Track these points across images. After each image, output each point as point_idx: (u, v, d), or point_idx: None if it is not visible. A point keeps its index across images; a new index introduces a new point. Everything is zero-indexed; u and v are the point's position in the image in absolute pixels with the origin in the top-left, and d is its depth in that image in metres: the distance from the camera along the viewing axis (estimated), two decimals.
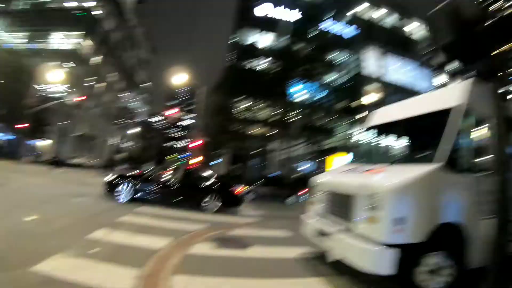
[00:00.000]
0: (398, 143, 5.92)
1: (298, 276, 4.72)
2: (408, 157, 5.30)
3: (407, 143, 5.74)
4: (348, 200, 4.43)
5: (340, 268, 4.69)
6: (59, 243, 4.87)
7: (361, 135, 6.71)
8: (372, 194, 3.98)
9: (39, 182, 14.46)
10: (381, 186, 3.96)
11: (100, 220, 7.18)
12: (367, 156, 6.25)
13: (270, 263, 5.32)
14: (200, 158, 27.80)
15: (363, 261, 3.91)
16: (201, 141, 26.05)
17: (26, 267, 3.80)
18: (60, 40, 49.96)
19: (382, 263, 3.74)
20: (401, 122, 5.34)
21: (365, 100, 36.50)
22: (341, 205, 4.62)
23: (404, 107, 5.69)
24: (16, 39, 50.86)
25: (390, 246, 3.71)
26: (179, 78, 26.78)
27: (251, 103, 37.48)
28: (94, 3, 52.38)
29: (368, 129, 6.27)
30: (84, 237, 5.46)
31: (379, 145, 6.40)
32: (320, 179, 5.68)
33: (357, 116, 35.71)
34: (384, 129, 5.91)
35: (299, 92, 40.32)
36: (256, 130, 39.22)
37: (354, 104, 37.44)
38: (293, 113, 29.52)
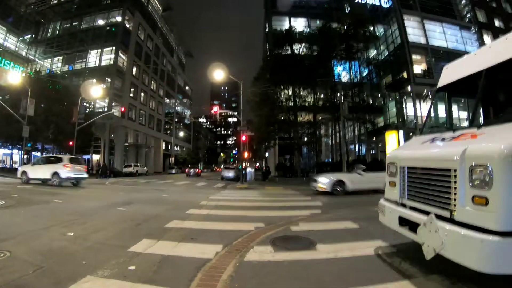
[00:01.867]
0: (485, 100, 4.63)
1: (380, 280, 3.64)
2: (507, 114, 4.04)
3: (501, 97, 4.46)
4: (441, 176, 3.32)
5: (431, 265, 3.63)
6: (95, 261, 4.29)
7: (431, 100, 5.45)
8: (479, 163, 2.84)
9: (87, 194, 14.46)
10: (492, 151, 2.79)
11: (146, 229, 6.61)
12: (444, 123, 5.04)
13: (343, 265, 4.28)
14: (247, 153, 27.26)
15: (472, 257, 2.76)
16: (246, 136, 25.37)
17: None
18: (97, 57, 51.82)
19: (500, 259, 2.61)
20: (486, 72, 4.01)
21: (412, 70, 33.99)
22: (432, 184, 3.50)
23: (485, 54, 4.35)
24: (55, 64, 53.78)
25: (510, 235, 2.58)
26: (218, 75, 26.21)
27: (295, 90, 36.58)
28: (120, 18, 53.73)
29: (440, 89, 5.01)
30: (125, 250, 4.82)
31: (458, 107, 5.19)
32: (398, 153, 4.52)
33: (408, 88, 33.49)
34: (461, 86, 4.62)
35: (343, 72, 38.82)
36: (303, 117, 38.14)
37: (401, 76, 35.19)
38: (339, 94, 28.13)
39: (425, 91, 5.49)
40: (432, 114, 5.82)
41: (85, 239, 5.56)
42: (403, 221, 3.94)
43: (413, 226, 3.65)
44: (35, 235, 5.70)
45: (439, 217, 3.22)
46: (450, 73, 4.81)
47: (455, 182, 3.10)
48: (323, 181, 14.85)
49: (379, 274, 3.86)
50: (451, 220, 3.10)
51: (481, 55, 4.29)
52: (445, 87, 4.84)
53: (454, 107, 5.43)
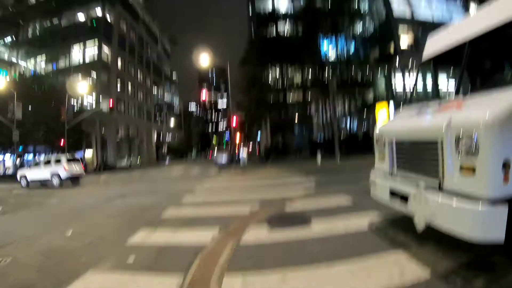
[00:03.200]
0: (469, 69, 4.64)
1: (375, 251, 3.70)
2: (492, 82, 4.06)
3: (485, 66, 4.48)
4: (428, 148, 3.35)
5: (425, 235, 3.68)
6: (95, 256, 4.38)
7: (416, 70, 5.44)
8: (465, 132, 2.86)
9: (82, 192, 14.47)
10: (477, 120, 2.79)
11: (143, 219, 6.66)
12: (431, 94, 5.05)
13: (338, 240, 4.34)
14: (239, 136, 27.20)
15: (462, 225, 2.79)
16: (237, 119, 25.35)
17: None
18: (81, 53, 50.97)
19: (490, 226, 2.63)
20: (470, 41, 4.01)
21: (399, 44, 33.87)
22: (419, 156, 3.54)
23: (468, 24, 4.33)
24: (38, 64, 53.06)
25: (498, 201, 2.60)
26: (205, 61, 25.98)
27: (283, 70, 36.40)
28: (100, 11, 52.68)
29: (425, 62, 5.00)
30: (123, 243, 4.90)
31: (444, 77, 5.20)
32: (386, 128, 4.55)
33: (395, 61, 33.46)
34: (446, 56, 4.62)
35: (329, 48, 38.56)
36: (293, 96, 38.05)
37: (388, 50, 35.06)
38: (327, 71, 28.05)
39: (410, 60, 5.48)
40: (420, 85, 5.84)
41: (84, 236, 5.62)
42: (393, 194, 3.99)
43: (403, 199, 3.70)
44: (35, 238, 5.76)
45: (428, 188, 3.27)
46: (435, 43, 4.80)
47: (442, 153, 3.13)
48: None
49: (373, 246, 3.92)
50: (440, 190, 3.15)
51: (465, 25, 4.29)
52: (430, 57, 4.83)
53: (442, 77, 5.45)
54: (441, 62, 4.91)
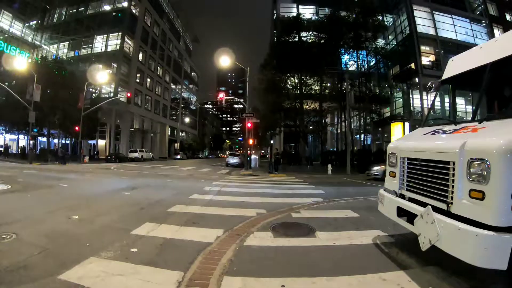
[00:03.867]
0: (488, 94, 4.59)
1: (377, 268, 3.69)
2: (509, 110, 4.03)
3: (505, 92, 4.43)
4: (440, 168, 3.34)
5: (428, 257, 3.67)
6: (99, 243, 4.42)
7: (435, 92, 5.41)
8: (478, 157, 2.84)
9: (92, 179, 14.62)
10: (491, 146, 2.78)
11: (150, 213, 6.74)
12: (447, 116, 5.02)
13: (340, 253, 4.36)
14: (252, 140, 27.18)
15: (466, 250, 2.78)
16: (252, 123, 25.38)
17: (55, 274, 3.29)
18: (103, 42, 51.68)
19: (493, 254, 2.61)
20: (491, 66, 3.96)
21: (420, 62, 33.54)
22: (430, 176, 3.51)
23: (491, 48, 4.29)
24: (61, 50, 53.62)
25: (504, 230, 2.59)
26: (225, 61, 26.17)
27: (301, 78, 36.39)
28: (127, 3, 53.37)
29: (444, 82, 4.98)
30: (128, 233, 4.95)
31: (462, 100, 5.16)
32: (399, 144, 4.52)
33: (415, 79, 33.16)
34: (466, 79, 4.58)
35: (350, 61, 38.43)
36: (309, 105, 37.99)
37: (409, 67, 34.75)
38: (345, 83, 27.96)
39: (430, 83, 5.46)
40: (437, 107, 5.82)
41: (90, 222, 5.68)
42: (401, 212, 3.98)
43: (411, 217, 3.68)
44: (41, 218, 5.83)
45: (436, 209, 3.25)
46: (456, 65, 4.78)
47: (453, 175, 3.12)
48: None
49: (375, 263, 3.92)
50: (447, 213, 3.13)
51: (488, 48, 4.26)
52: (450, 79, 4.81)
53: (459, 100, 5.41)
54: (461, 84, 4.90)
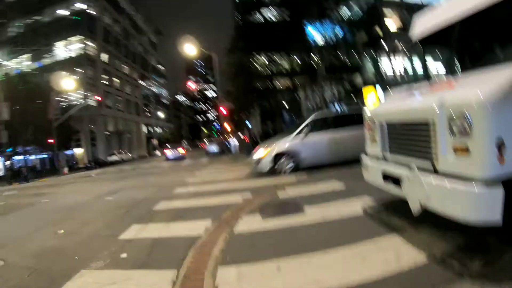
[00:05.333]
0: (460, 49, 4.55)
1: (370, 236, 3.65)
2: (483, 62, 3.99)
3: (476, 45, 4.40)
4: (420, 129, 3.29)
5: (419, 218, 3.61)
6: (88, 254, 4.30)
7: (404, 53, 5.36)
8: (458, 112, 2.79)
9: (73, 189, 14.30)
10: (470, 98, 2.72)
11: (135, 214, 6.60)
12: (420, 76, 4.98)
13: (333, 225, 4.31)
14: (229, 125, 27.02)
15: (457, 207, 2.75)
16: (226, 108, 25.23)
17: None
18: (64, 48, 50.06)
19: (486, 207, 2.57)
20: (461, 22, 3.92)
21: (387, 26, 33.79)
22: (411, 137, 3.47)
23: (457, 3, 4.24)
24: (22, 62, 52.00)
25: (494, 182, 2.54)
26: (191, 50, 25.66)
27: (270, 57, 36.18)
28: (84, 6, 51.70)
29: (415, 43, 4.92)
30: (115, 239, 4.83)
31: (434, 58, 5.11)
32: (376, 110, 4.47)
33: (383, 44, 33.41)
34: (437, 37, 4.54)
35: (317, 33, 38.31)
36: (281, 83, 37.92)
37: (375, 33, 34.97)
38: (315, 56, 27.94)
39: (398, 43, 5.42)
40: (408, 68, 5.78)
41: (76, 234, 5.53)
42: (387, 177, 3.95)
43: (397, 181, 3.65)
44: (27, 239, 5.65)
45: (422, 170, 3.22)
46: (423, 25, 4.72)
47: (435, 134, 3.08)
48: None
49: (367, 230, 3.89)
50: (433, 172, 3.10)
51: (454, 4, 4.20)
52: (422, 38, 4.75)
53: (429, 58, 5.39)
54: (430, 42, 4.84)
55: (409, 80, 5.32)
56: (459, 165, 2.81)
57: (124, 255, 4.07)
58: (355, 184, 6.42)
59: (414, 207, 3.27)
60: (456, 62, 4.46)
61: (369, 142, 4.58)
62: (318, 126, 10.31)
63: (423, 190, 3.10)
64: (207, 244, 4.05)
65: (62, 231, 5.91)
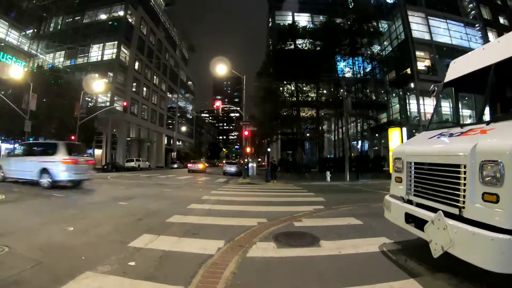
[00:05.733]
0: (493, 95, 4.46)
1: (386, 278, 3.52)
2: None
3: (509, 94, 4.33)
4: (449, 173, 3.21)
5: (437, 263, 3.52)
6: (95, 256, 4.23)
7: (437, 95, 5.30)
8: (491, 159, 2.72)
9: (88, 189, 14.34)
10: (504, 147, 2.67)
11: (147, 223, 6.54)
12: (451, 120, 4.90)
13: (347, 262, 4.20)
14: (249, 149, 27.06)
15: (481, 255, 2.66)
16: (249, 131, 25.33)
17: None
18: (99, 51, 51.95)
19: (509, 258, 2.49)
20: (496, 66, 3.72)
21: (416, 67, 33.70)
22: (440, 180, 3.38)
23: (494, 48, 4.17)
24: (57, 58, 54.06)
25: None
26: (221, 70, 26.16)
27: (298, 85, 36.49)
28: (123, 12, 53.99)
29: (447, 84, 4.87)
30: (125, 246, 4.75)
31: (465, 103, 5.05)
32: (405, 148, 4.38)
33: (411, 84, 33.31)
34: (469, 81, 4.47)
35: (346, 68, 38.58)
36: (306, 113, 38.07)
37: (404, 73, 34.94)
38: (342, 90, 28.04)
39: (432, 86, 5.38)
40: (438, 111, 5.72)
41: (85, 234, 5.48)
42: (409, 218, 3.84)
43: (420, 223, 3.54)
44: (35, 230, 5.62)
45: (447, 214, 3.12)
46: (458, 67, 4.69)
47: (465, 179, 3.00)
48: None
49: (384, 272, 3.76)
50: (460, 218, 3.00)
51: (490, 49, 4.17)
52: (452, 81, 4.71)
53: (463, 103, 5.32)
54: (464, 86, 4.80)
55: (439, 122, 5.26)
56: (487, 213, 2.75)
57: (132, 263, 4.00)
58: (372, 221, 6.28)
59: (436, 250, 3.15)
60: (490, 109, 4.40)
61: (394, 182, 4.48)
62: None
63: (447, 235, 3.00)
64: (219, 265, 3.97)
65: (72, 228, 5.87)
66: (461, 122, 4.66)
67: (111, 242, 5.05)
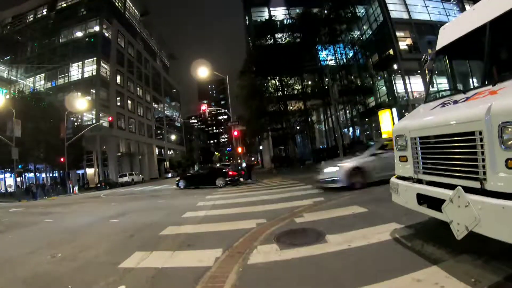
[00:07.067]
0: (493, 55, 4.08)
1: (407, 270, 3.09)
2: None
3: (505, 51, 3.96)
4: (462, 143, 2.84)
5: (456, 244, 3.14)
6: (82, 283, 3.90)
7: (431, 65, 4.93)
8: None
9: (80, 210, 13.97)
10: None
11: (140, 239, 6.13)
12: (447, 89, 4.54)
13: (359, 256, 3.80)
14: (240, 149, 26.73)
15: None
16: (238, 131, 25.00)
17: None
18: (79, 69, 51.53)
19: None
20: (491, 24, 3.39)
21: (398, 47, 33.59)
22: (452, 153, 3.01)
23: (485, 7, 3.82)
24: (37, 82, 53.86)
25: None
26: (204, 73, 25.83)
27: (282, 80, 36.30)
28: (98, 27, 53.57)
29: (439, 52, 4.50)
30: (115, 267, 4.34)
31: (463, 67, 4.69)
32: (407, 125, 3.95)
33: (395, 65, 33.20)
34: (463, 45, 4.11)
35: (328, 56, 38.44)
36: (293, 106, 37.87)
37: (387, 54, 34.83)
38: (327, 79, 27.87)
39: (424, 55, 5.03)
40: (433, 81, 5.37)
41: (73, 260, 5.08)
42: (421, 199, 3.46)
43: (435, 204, 3.14)
44: (20, 261, 5.27)
45: (467, 189, 2.73)
46: (449, 33, 4.31)
47: (482, 146, 2.61)
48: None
49: (402, 262, 3.37)
50: (482, 191, 2.62)
51: (482, 8, 3.79)
52: (444, 48, 4.34)
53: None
54: (457, 52, 4.43)
55: (435, 92, 4.91)
56: None
57: (122, 287, 3.60)
58: (377, 207, 5.92)
59: (459, 232, 2.75)
60: (492, 69, 4.02)
61: (398, 161, 4.10)
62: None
63: (471, 212, 2.60)
64: (217, 278, 3.54)
65: (60, 254, 5.48)
66: (458, 90, 4.29)
67: (101, 265, 4.65)
